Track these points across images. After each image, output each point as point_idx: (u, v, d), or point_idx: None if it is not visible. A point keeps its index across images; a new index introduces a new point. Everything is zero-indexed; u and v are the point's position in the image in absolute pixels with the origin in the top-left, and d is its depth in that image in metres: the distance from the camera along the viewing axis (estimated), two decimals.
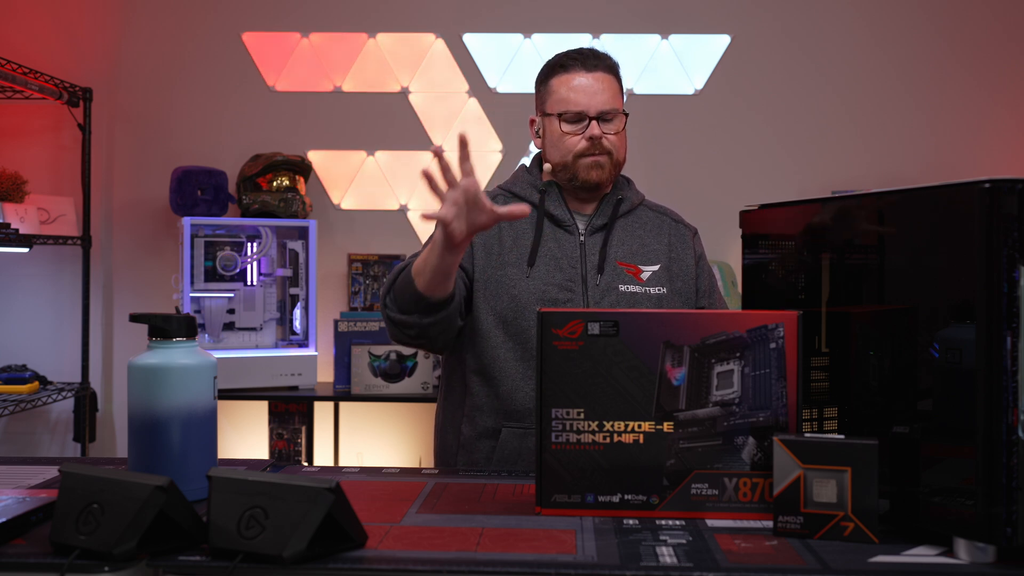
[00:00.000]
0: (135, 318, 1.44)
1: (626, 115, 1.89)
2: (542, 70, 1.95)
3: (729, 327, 1.36)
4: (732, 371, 1.35)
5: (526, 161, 2.02)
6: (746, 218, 1.55)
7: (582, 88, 1.86)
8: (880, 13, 3.70)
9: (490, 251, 1.86)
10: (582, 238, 1.88)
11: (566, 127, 1.86)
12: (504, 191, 1.96)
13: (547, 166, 1.92)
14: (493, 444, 1.82)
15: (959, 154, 3.68)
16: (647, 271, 1.88)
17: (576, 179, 1.87)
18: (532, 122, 1.97)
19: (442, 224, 1.53)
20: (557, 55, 1.93)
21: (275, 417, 3.54)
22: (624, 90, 1.94)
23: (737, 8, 3.72)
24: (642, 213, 1.96)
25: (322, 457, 3.64)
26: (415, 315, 1.71)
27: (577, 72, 1.87)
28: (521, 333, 1.81)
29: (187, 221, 3.31)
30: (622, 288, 1.85)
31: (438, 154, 1.51)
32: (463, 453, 1.86)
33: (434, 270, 1.63)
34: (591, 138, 1.84)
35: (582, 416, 1.37)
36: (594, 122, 1.84)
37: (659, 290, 1.87)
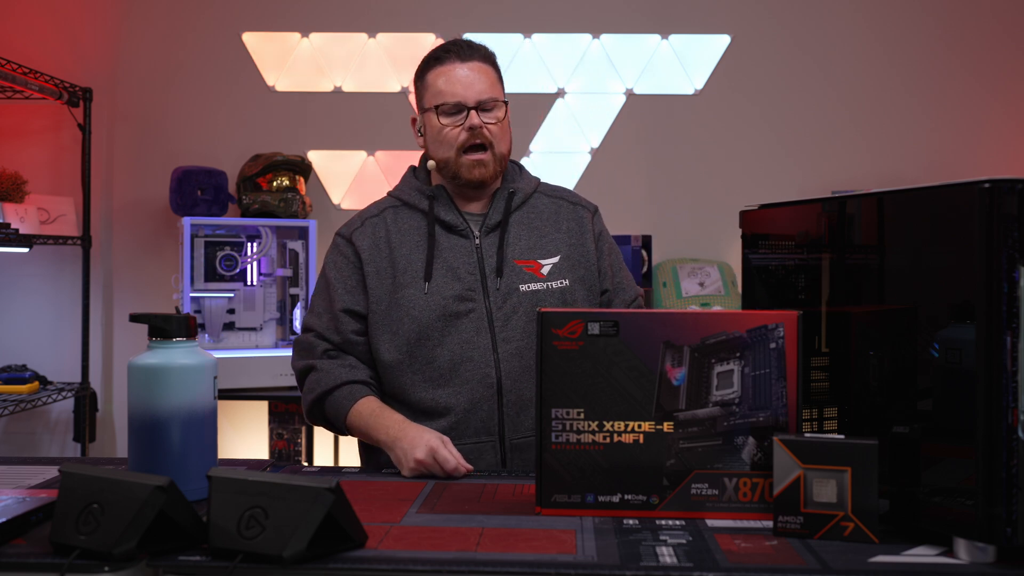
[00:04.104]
0: (135, 318, 1.44)
1: (506, 103, 1.86)
2: (418, 67, 1.89)
3: (729, 327, 1.36)
4: (732, 371, 1.35)
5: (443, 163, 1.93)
6: (746, 218, 1.55)
7: (458, 79, 1.81)
8: (880, 13, 3.70)
9: (383, 275, 1.82)
10: (477, 240, 1.84)
11: (445, 119, 1.81)
12: (394, 198, 1.92)
13: (431, 163, 1.88)
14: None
15: (959, 154, 3.68)
16: (547, 264, 1.84)
17: (460, 178, 1.83)
18: (413, 121, 1.93)
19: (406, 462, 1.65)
20: (432, 49, 1.89)
21: (275, 417, 3.54)
22: (503, 80, 1.90)
23: (737, 8, 3.72)
24: (537, 202, 1.91)
25: (322, 457, 3.64)
26: (332, 429, 1.86)
27: (452, 63, 1.83)
28: (425, 353, 1.78)
29: (187, 221, 3.31)
30: (523, 288, 1.81)
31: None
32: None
33: (367, 440, 1.79)
34: (471, 128, 1.80)
35: (582, 416, 1.37)
36: (473, 112, 1.80)
37: (561, 283, 1.83)
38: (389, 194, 1.94)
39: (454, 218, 1.85)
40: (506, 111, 1.85)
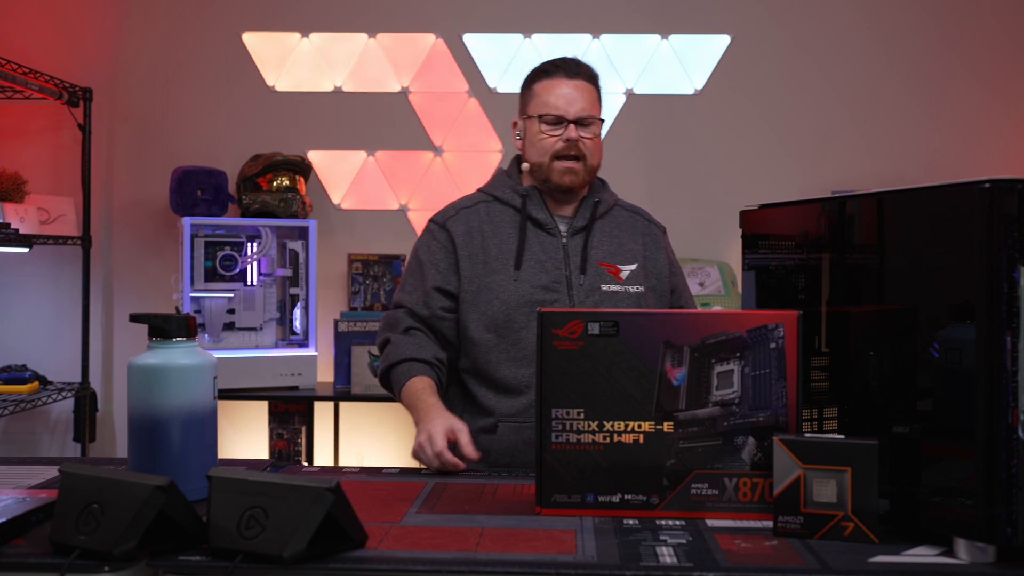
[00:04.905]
0: (135, 318, 1.44)
1: (602, 121, 1.99)
2: (527, 76, 2.04)
3: (729, 327, 1.36)
4: (732, 371, 1.35)
5: (504, 164, 2.08)
6: (746, 218, 1.55)
7: (563, 94, 1.95)
8: (880, 13, 3.70)
9: (475, 261, 1.94)
10: (564, 240, 1.95)
11: (545, 128, 1.95)
12: (486, 195, 2.03)
13: (525, 165, 2.00)
14: (491, 438, 1.87)
15: (959, 154, 3.68)
16: (626, 270, 1.96)
17: (550, 181, 1.96)
18: (515, 124, 2.06)
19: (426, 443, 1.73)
20: (542, 63, 2.02)
21: (275, 417, 3.54)
22: (602, 100, 2.03)
23: (737, 8, 3.72)
24: (617, 213, 2.04)
25: (322, 457, 3.64)
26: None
27: (559, 78, 1.97)
28: (512, 334, 1.88)
29: (187, 221, 3.31)
30: (604, 288, 1.93)
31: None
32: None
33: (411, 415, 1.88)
34: (568, 140, 1.93)
35: (582, 416, 1.37)
36: (572, 125, 1.93)
37: (637, 288, 1.95)
38: (480, 190, 2.06)
39: (544, 217, 1.96)
40: (601, 128, 1.99)
